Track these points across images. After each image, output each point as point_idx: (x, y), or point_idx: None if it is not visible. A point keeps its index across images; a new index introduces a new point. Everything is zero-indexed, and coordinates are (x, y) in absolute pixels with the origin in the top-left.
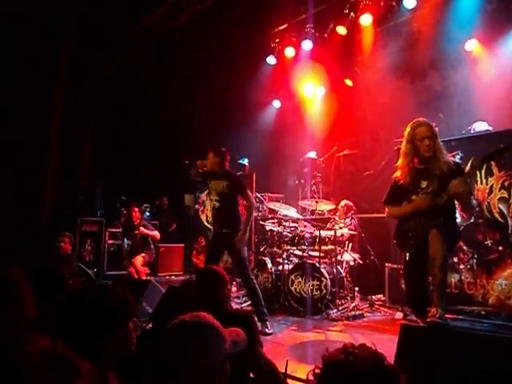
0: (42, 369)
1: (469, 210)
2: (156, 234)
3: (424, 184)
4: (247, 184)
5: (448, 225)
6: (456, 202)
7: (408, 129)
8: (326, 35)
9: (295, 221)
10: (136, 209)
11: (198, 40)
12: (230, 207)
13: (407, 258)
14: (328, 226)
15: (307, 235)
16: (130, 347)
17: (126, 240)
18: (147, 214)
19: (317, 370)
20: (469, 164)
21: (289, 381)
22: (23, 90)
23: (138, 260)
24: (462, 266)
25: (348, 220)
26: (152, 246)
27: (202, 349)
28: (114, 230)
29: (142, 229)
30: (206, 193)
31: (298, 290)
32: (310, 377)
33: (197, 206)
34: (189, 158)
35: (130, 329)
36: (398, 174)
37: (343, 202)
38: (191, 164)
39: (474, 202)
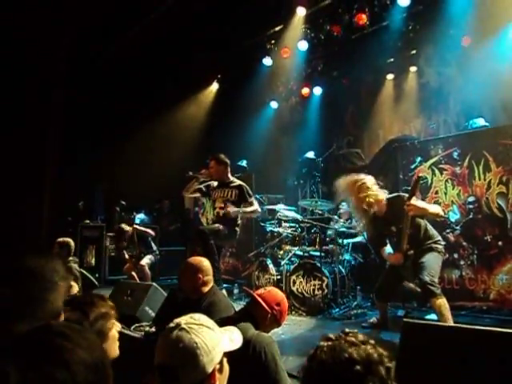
0: None
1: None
2: (149, 230)
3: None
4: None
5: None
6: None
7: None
8: (321, 36)
9: (295, 221)
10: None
11: (195, 41)
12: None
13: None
14: (329, 225)
15: (307, 235)
16: None
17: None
18: (142, 217)
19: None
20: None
21: (291, 379)
22: (22, 94)
23: (145, 263)
24: (462, 262)
25: (354, 221)
26: (154, 248)
27: (198, 351)
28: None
29: (136, 226)
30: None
31: (299, 290)
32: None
33: (197, 208)
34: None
35: None
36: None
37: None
38: (194, 175)
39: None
